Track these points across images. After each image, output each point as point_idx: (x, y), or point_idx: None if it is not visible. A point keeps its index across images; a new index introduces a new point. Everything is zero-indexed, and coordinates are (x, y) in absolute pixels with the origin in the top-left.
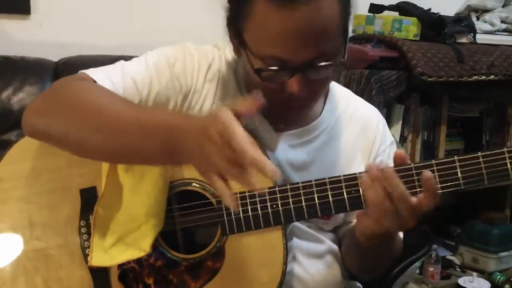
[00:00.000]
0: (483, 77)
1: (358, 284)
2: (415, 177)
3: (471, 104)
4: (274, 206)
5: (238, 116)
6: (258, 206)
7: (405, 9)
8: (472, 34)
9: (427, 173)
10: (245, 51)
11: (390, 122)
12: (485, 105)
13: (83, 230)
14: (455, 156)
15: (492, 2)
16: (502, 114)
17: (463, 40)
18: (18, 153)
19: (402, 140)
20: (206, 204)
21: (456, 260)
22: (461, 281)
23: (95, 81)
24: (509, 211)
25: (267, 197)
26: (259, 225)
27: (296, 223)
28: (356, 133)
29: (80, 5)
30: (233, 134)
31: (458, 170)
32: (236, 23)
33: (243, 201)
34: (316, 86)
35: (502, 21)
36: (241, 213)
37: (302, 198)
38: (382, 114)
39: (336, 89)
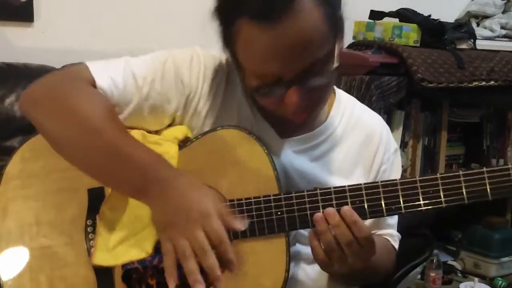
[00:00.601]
0: (483, 83)
1: None
2: (419, 190)
3: (472, 110)
4: (279, 213)
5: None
6: (263, 212)
7: (405, 16)
8: (472, 40)
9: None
10: (240, 71)
11: (390, 128)
12: (485, 110)
13: (89, 229)
14: (460, 171)
15: (492, 8)
16: (503, 120)
17: (463, 46)
18: (28, 152)
19: (402, 146)
20: None
21: (457, 265)
22: (462, 286)
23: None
24: (510, 215)
25: (272, 203)
26: (263, 232)
27: (301, 230)
28: (360, 141)
29: (83, 12)
30: (211, 218)
31: (463, 185)
32: (228, 45)
33: (249, 207)
34: (316, 93)
35: (502, 27)
36: (246, 219)
37: (307, 206)
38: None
39: (342, 96)
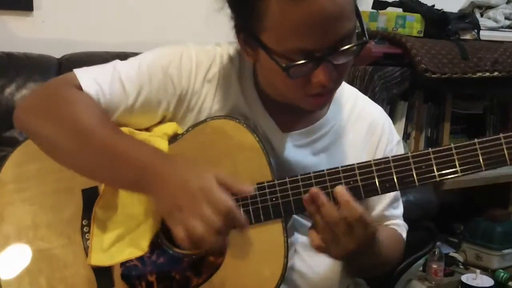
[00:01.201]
0: (487, 73)
1: (362, 281)
2: (412, 166)
3: (475, 101)
4: (274, 199)
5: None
6: (258, 199)
7: (408, 6)
8: (476, 31)
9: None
10: (267, 53)
11: (393, 119)
12: (488, 102)
13: (85, 229)
14: (452, 144)
15: None
16: (506, 111)
17: (467, 36)
18: (22, 155)
19: (405, 137)
20: None
21: (459, 257)
22: (464, 278)
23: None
24: None
25: (267, 190)
26: (259, 218)
27: (299, 218)
28: (363, 133)
29: (83, 1)
30: (213, 193)
31: (455, 157)
32: (250, 27)
33: (242, 197)
34: (340, 70)
35: (506, 18)
36: (241, 208)
37: (302, 190)
38: (386, 111)
39: (344, 88)
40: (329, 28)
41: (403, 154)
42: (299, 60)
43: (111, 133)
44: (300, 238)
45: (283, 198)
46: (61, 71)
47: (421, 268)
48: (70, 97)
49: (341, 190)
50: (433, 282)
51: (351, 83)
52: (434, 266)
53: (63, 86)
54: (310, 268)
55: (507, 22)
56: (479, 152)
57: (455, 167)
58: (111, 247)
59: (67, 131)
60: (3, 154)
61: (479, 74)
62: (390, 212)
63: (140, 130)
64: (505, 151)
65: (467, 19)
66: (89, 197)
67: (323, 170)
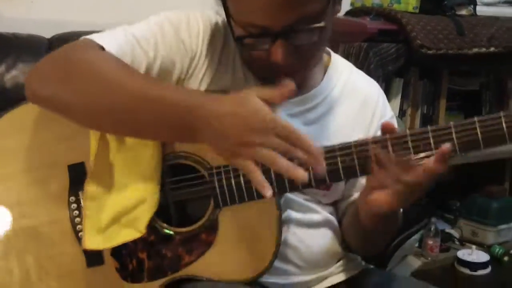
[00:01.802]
0: (483, 49)
1: (356, 256)
2: (410, 145)
3: (471, 78)
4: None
5: (268, 103)
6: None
7: None
8: (472, 6)
9: (446, 146)
10: (227, 20)
11: (389, 96)
12: (484, 78)
13: (73, 206)
14: (451, 123)
15: None
16: (502, 87)
17: (463, 12)
18: (2, 130)
19: (401, 114)
20: (199, 177)
21: (455, 233)
22: (460, 253)
23: (102, 47)
24: (508, 184)
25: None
26: (252, 196)
27: (294, 197)
28: (356, 107)
29: None
30: (277, 122)
31: (454, 136)
32: None
33: (235, 173)
34: (303, 52)
35: None
36: (233, 184)
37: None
38: (381, 88)
39: (338, 60)
40: (285, 7)
41: (401, 132)
42: (254, 33)
43: (144, 80)
44: (293, 214)
45: (277, 175)
46: (52, 51)
47: (417, 244)
48: (89, 56)
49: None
50: (429, 258)
51: (346, 60)
52: (430, 242)
53: (78, 49)
54: (303, 243)
55: None
56: (478, 130)
57: (454, 145)
58: (107, 229)
59: (94, 88)
60: None
61: (475, 50)
62: None
63: None
64: (505, 130)
65: None
66: (76, 173)
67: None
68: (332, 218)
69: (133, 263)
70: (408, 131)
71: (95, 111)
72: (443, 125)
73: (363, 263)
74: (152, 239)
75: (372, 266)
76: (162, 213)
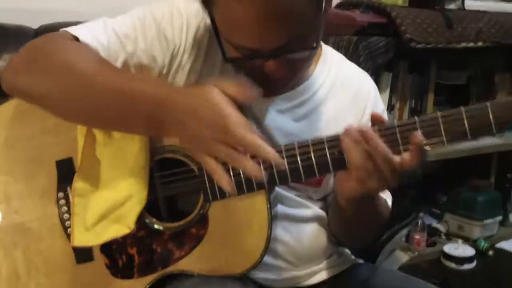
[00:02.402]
0: (471, 44)
1: (347, 251)
2: (398, 136)
3: (458, 72)
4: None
5: (231, 98)
6: (240, 170)
7: None
8: (460, 0)
9: (418, 135)
10: (218, 38)
11: (378, 90)
12: (472, 72)
13: (61, 202)
14: (438, 113)
15: None
16: (489, 82)
17: (452, 6)
18: None
19: (389, 108)
20: (188, 171)
21: (441, 227)
22: (446, 248)
23: (78, 39)
24: (494, 178)
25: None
26: (241, 190)
27: (285, 192)
28: (347, 100)
29: None
30: (229, 120)
31: (441, 126)
32: (208, 7)
33: (225, 167)
34: (296, 64)
35: None
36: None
37: (285, 160)
38: None
39: (328, 52)
40: (274, 29)
41: (389, 123)
42: (245, 54)
43: (115, 72)
44: (284, 209)
45: (266, 169)
46: None
47: (404, 239)
48: (62, 47)
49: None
50: (416, 253)
51: None
52: (417, 236)
53: (53, 39)
54: (293, 237)
55: None
56: (465, 121)
57: (441, 135)
58: (96, 225)
59: (65, 80)
60: None
61: (463, 44)
62: None
63: None
64: (492, 120)
65: None
66: (64, 169)
67: (307, 140)
68: (323, 213)
69: (123, 259)
70: (396, 122)
71: (67, 103)
72: (431, 115)
73: (353, 257)
74: (141, 235)
75: (361, 261)
76: (151, 208)
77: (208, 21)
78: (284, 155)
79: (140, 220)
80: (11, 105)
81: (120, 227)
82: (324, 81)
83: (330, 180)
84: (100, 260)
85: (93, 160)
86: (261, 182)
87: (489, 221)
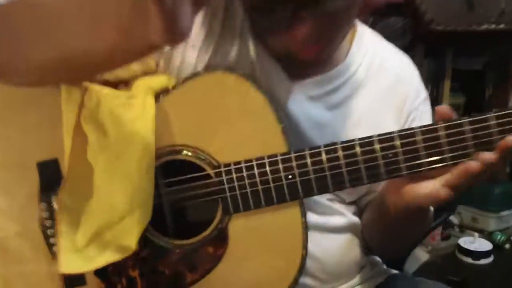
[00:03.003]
0: (493, 25)
1: (377, 259)
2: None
3: (475, 57)
4: (290, 176)
5: None
6: (270, 177)
7: None
8: None
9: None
10: None
11: None
12: (489, 57)
13: (45, 214)
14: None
15: None
16: (506, 68)
17: None
18: None
19: None
20: (203, 177)
21: (454, 220)
22: (461, 241)
23: None
24: (509, 169)
25: (280, 165)
26: (271, 201)
27: (315, 197)
28: (387, 86)
29: None
30: None
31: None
32: None
33: (250, 172)
34: (331, 20)
35: None
36: (247, 185)
37: (326, 165)
38: None
39: (365, 31)
40: None
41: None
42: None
43: None
44: (314, 219)
45: (301, 176)
46: None
47: None
48: None
49: None
50: (430, 247)
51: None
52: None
53: None
54: (324, 251)
55: None
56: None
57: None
58: (88, 247)
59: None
60: None
61: (484, 26)
62: None
63: (118, 84)
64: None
65: None
66: (47, 172)
67: (354, 140)
68: (357, 221)
69: (123, 282)
70: (465, 118)
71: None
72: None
73: (384, 267)
74: (145, 254)
75: (396, 271)
76: (157, 221)
77: None
78: (324, 157)
79: (143, 236)
80: None
81: (119, 249)
82: (360, 64)
83: None
84: (94, 284)
85: (83, 166)
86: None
87: (505, 213)
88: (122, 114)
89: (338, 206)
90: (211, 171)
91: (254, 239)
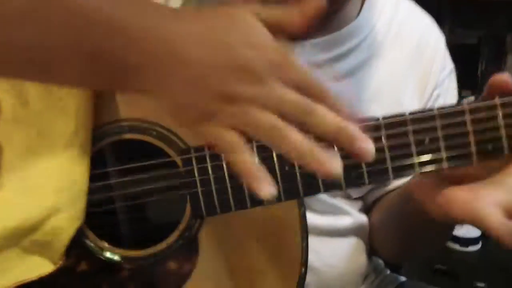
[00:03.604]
0: None
1: (379, 261)
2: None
3: (470, 30)
4: (286, 168)
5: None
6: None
7: None
8: None
9: None
10: None
11: None
12: (484, 31)
13: None
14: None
15: None
16: (501, 42)
17: None
18: None
19: None
20: (166, 165)
21: None
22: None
23: None
24: None
25: (275, 152)
26: (257, 200)
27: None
28: (409, 52)
29: None
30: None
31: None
32: None
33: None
34: None
35: None
36: (227, 178)
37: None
38: None
39: None
40: None
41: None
42: None
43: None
44: (313, 219)
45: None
46: None
47: None
48: None
49: None
50: None
51: None
52: None
53: None
54: (323, 261)
55: None
56: None
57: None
58: None
59: None
60: None
61: None
62: None
63: None
64: None
65: None
66: None
67: (379, 118)
68: (365, 220)
69: None
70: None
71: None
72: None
73: (388, 271)
74: (84, 269)
75: (404, 279)
76: (100, 225)
77: None
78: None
79: (81, 245)
80: None
81: (38, 263)
82: (375, 25)
83: None
84: None
85: None
86: (335, 182)
87: None
88: None
89: (343, 203)
90: (177, 158)
91: (234, 252)
